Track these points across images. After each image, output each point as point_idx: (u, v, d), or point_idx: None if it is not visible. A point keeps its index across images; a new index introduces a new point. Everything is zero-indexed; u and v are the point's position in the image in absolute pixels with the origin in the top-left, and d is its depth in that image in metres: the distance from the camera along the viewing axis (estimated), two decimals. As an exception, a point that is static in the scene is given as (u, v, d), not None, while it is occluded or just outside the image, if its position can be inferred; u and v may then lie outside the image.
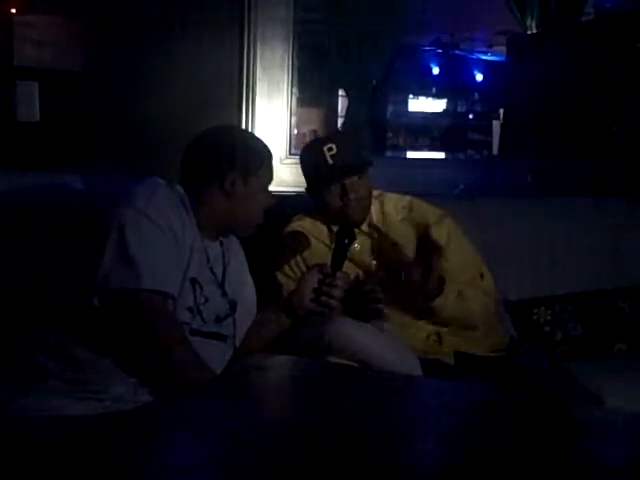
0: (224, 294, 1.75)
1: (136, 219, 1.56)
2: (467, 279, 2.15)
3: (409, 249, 2.13)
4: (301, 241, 2.13)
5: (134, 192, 1.61)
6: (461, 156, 8.08)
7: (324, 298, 1.87)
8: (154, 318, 1.55)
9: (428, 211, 2.22)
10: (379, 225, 2.18)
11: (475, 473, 1.11)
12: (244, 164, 1.73)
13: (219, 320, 1.71)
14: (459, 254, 2.16)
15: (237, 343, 1.78)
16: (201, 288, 1.66)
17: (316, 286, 1.88)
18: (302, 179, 2.22)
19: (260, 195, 1.76)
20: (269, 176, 1.79)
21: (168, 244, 1.58)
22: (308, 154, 2.16)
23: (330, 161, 2.05)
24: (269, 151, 1.81)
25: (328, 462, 1.13)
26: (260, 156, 1.77)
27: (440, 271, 1.97)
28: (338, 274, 1.89)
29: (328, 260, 1.95)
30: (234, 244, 1.85)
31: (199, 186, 1.71)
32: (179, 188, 1.69)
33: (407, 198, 2.25)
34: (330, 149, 2.05)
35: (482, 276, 2.18)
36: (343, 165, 2.05)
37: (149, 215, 1.56)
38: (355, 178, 2.07)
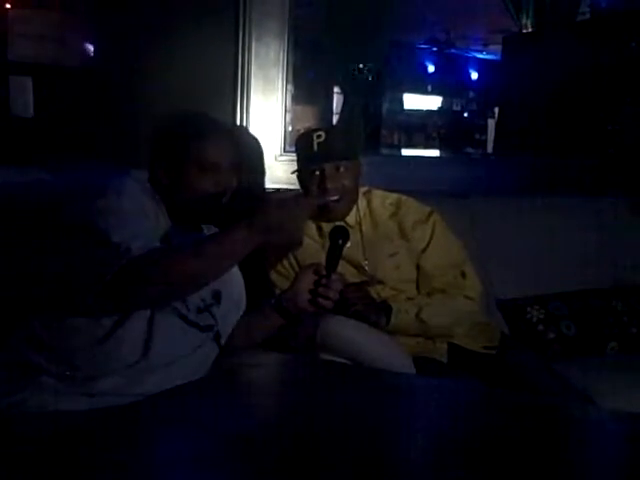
0: None
1: (112, 207, 1.56)
2: (447, 279, 2.16)
3: (394, 246, 2.15)
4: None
5: (103, 185, 1.62)
6: (456, 154, 8.08)
7: (320, 300, 1.87)
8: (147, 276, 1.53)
9: (415, 209, 2.23)
10: (366, 221, 2.19)
11: (466, 471, 1.12)
12: (171, 150, 1.73)
13: (200, 311, 1.70)
14: (440, 254, 2.18)
15: (223, 336, 1.77)
16: None
17: (311, 287, 1.87)
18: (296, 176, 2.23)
19: (199, 177, 1.71)
20: (205, 156, 1.72)
21: (146, 225, 1.59)
22: (299, 139, 2.20)
23: (315, 147, 2.09)
24: (204, 130, 1.75)
25: (319, 458, 1.13)
26: (187, 138, 1.73)
27: (381, 297, 2.06)
28: (333, 276, 1.88)
29: (319, 258, 1.96)
30: None
31: (155, 178, 1.74)
32: (146, 184, 1.72)
33: (395, 195, 2.26)
34: (319, 136, 2.10)
35: (464, 275, 2.18)
36: (326, 151, 2.09)
37: (122, 202, 1.58)
38: (335, 167, 2.09)
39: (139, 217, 1.59)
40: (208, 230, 1.80)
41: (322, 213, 2.14)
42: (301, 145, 2.18)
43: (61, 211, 1.68)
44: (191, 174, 1.71)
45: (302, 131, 2.30)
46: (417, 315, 2.06)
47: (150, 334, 1.59)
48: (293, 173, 2.20)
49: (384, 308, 2.04)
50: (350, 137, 2.31)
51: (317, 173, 2.10)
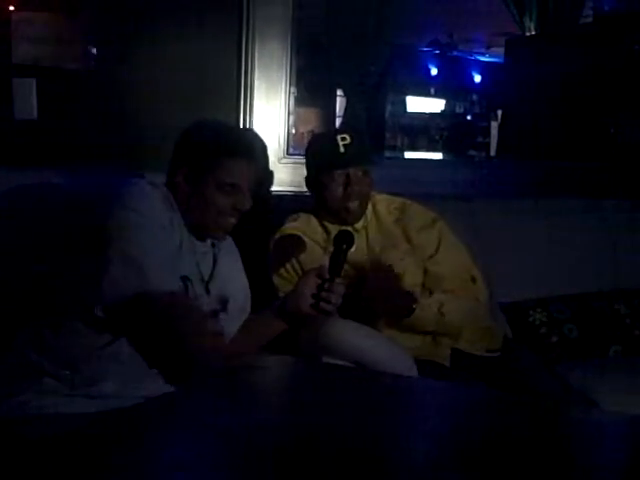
0: (208, 292, 1.74)
1: (131, 219, 1.56)
2: (458, 283, 2.16)
3: (400, 251, 2.15)
4: (297, 243, 2.13)
5: (123, 193, 1.61)
6: (459, 157, 8.07)
7: (323, 304, 1.86)
8: (170, 316, 1.54)
9: (420, 214, 2.23)
10: (372, 225, 2.19)
11: (468, 473, 1.11)
12: (194, 160, 1.71)
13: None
14: (449, 258, 2.18)
15: (226, 340, 1.77)
16: (192, 285, 1.66)
17: (314, 291, 1.86)
18: (300, 179, 2.23)
19: (217, 194, 1.70)
20: (227, 176, 1.71)
21: (164, 241, 1.59)
22: (320, 140, 2.21)
23: (342, 149, 2.09)
24: (231, 151, 1.72)
25: (323, 461, 1.13)
26: (212, 154, 1.71)
27: (405, 288, 2.06)
28: (337, 280, 1.86)
29: (323, 262, 1.95)
30: (227, 244, 1.84)
31: (173, 182, 1.72)
32: (163, 188, 1.70)
33: (399, 200, 2.26)
34: (344, 139, 2.10)
35: (474, 280, 2.18)
36: (353, 154, 2.10)
37: (142, 213, 1.57)
38: (360, 171, 2.11)
39: (156, 228, 1.58)
40: (218, 242, 1.80)
41: (339, 217, 2.14)
42: (322, 148, 2.16)
43: (74, 216, 1.69)
44: (210, 190, 1.70)
45: (320, 133, 2.31)
46: (439, 309, 2.07)
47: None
48: (308, 181, 2.20)
49: (411, 299, 2.04)
50: (368, 141, 2.34)
51: (340, 176, 2.10)
